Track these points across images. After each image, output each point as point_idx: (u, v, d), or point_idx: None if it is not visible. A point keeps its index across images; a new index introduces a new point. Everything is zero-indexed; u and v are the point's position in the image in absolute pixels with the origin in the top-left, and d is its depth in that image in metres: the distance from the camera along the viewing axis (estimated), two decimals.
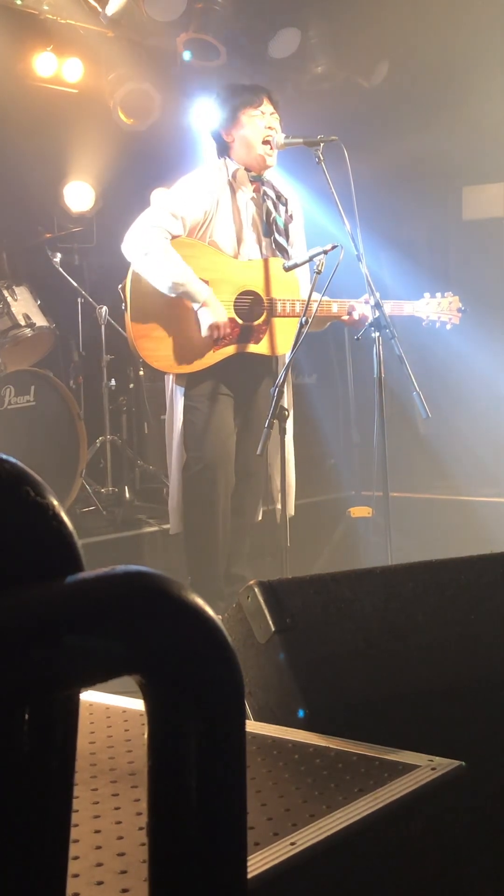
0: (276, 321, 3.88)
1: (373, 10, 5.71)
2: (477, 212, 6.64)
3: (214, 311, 3.73)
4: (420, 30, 5.84)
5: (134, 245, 3.77)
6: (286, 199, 3.96)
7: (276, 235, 3.89)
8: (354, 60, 6.26)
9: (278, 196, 3.93)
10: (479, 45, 5.88)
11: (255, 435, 3.77)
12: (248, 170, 3.89)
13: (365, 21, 5.81)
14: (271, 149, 3.84)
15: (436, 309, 3.99)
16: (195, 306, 3.75)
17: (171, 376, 3.96)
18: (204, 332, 3.75)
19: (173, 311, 3.80)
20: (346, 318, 3.90)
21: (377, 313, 3.72)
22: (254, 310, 3.86)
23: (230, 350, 3.84)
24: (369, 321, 3.76)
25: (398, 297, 4.09)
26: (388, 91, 6.33)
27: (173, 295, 3.73)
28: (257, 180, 3.90)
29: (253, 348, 3.87)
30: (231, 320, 3.82)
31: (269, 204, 3.89)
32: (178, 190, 3.87)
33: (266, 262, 3.89)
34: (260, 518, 4.15)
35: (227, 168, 3.90)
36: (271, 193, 3.91)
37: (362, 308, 3.85)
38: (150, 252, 3.72)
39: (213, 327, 3.73)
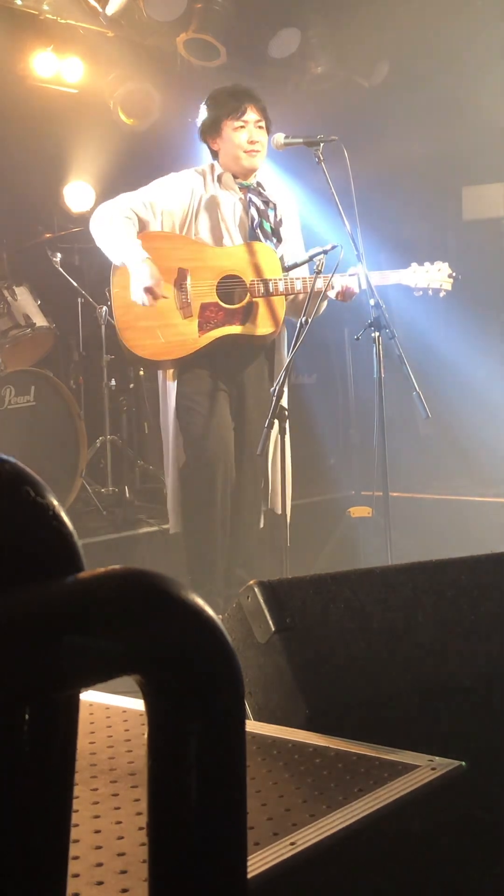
0: (261, 302, 3.88)
1: (373, 10, 5.71)
2: (477, 212, 6.63)
3: (143, 274, 3.70)
4: (420, 30, 5.84)
5: (95, 222, 3.84)
6: (275, 204, 3.98)
7: (263, 240, 3.91)
8: (354, 60, 6.26)
9: (266, 202, 3.96)
10: (479, 45, 5.89)
11: (253, 434, 3.77)
12: (234, 176, 3.93)
13: (365, 21, 5.81)
14: (254, 157, 3.87)
15: (424, 277, 3.90)
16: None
17: (162, 374, 3.96)
18: (133, 295, 3.74)
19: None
20: (331, 292, 3.85)
21: (376, 311, 3.71)
22: (236, 293, 3.87)
23: (216, 333, 3.83)
24: (370, 309, 3.71)
25: (397, 295, 4.06)
26: (388, 91, 6.32)
27: (119, 263, 3.78)
28: (244, 187, 3.94)
29: (239, 330, 3.86)
30: (215, 304, 3.82)
31: (254, 211, 3.91)
32: (156, 181, 3.92)
33: (250, 245, 3.88)
34: (262, 525, 4.09)
35: (212, 171, 3.95)
36: (257, 201, 3.94)
37: (346, 280, 3.82)
38: (105, 225, 3.78)
39: (146, 290, 3.70)
